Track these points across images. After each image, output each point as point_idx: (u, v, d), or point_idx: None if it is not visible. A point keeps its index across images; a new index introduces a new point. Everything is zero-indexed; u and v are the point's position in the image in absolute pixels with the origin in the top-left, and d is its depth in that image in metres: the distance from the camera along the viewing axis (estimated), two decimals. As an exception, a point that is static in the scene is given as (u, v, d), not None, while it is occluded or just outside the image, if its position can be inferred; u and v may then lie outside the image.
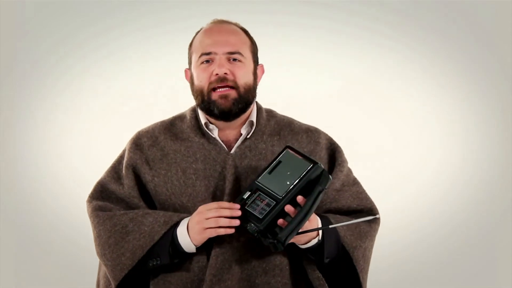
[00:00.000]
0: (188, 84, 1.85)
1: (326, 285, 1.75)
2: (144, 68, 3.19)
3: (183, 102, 1.96)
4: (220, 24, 1.81)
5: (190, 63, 1.82)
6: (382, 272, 2.94)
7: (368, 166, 3.05)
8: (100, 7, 3.17)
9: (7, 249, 3.13)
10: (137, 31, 3.18)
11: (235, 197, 1.71)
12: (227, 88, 1.73)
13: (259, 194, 1.63)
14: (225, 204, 1.64)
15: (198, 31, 1.83)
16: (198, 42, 1.79)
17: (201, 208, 1.65)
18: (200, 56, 1.75)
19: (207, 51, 1.74)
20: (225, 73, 1.72)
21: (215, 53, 1.74)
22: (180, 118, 1.88)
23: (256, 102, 1.86)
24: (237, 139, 1.80)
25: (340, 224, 1.67)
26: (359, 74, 3.22)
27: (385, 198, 2.77)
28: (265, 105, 1.91)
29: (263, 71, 1.86)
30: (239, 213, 1.61)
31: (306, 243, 1.70)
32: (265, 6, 3.14)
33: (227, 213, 1.61)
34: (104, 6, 3.17)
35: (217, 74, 1.72)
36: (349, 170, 1.91)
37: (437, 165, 3.21)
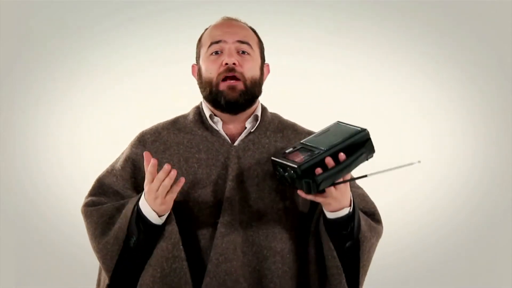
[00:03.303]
0: (191, 83, 1.86)
1: (343, 275, 1.72)
2: (146, 69, 3.19)
3: (186, 103, 1.96)
4: (229, 20, 1.84)
5: (198, 58, 1.83)
6: (382, 272, 2.94)
7: (368, 166, 3.04)
8: (102, 7, 3.17)
9: (7, 249, 3.12)
10: (138, 30, 3.18)
11: (237, 184, 1.73)
12: (235, 80, 1.74)
13: (302, 148, 1.65)
14: (160, 175, 1.61)
15: (207, 28, 1.85)
16: (207, 35, 1.81)
17: (146, 188, 1.65)
18: (209, 46, 1.77)
19: (217, 39, 1.76)
20: (234, 63, 1.74)
21: (225, 42, 1.76)
22: (183, 116, 1.89)
23: (261, 103, 1.87)
24: (241, 134, 1.81)
25: (380, 171, 1.64)
26: (359, 74, 3.22)
27: (385, 198, 2.77)
28: (268, 105, 1.92)
29: (268, 71, 1.87)
30: (174, 173, 1.60)
31: (336, 210, 1.68)
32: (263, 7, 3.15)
33: (167, 182, 1.61)
34: (108, 4, 3.17)
35: (226, 64, 1.74)
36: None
37: (437, 165, 3.21)
